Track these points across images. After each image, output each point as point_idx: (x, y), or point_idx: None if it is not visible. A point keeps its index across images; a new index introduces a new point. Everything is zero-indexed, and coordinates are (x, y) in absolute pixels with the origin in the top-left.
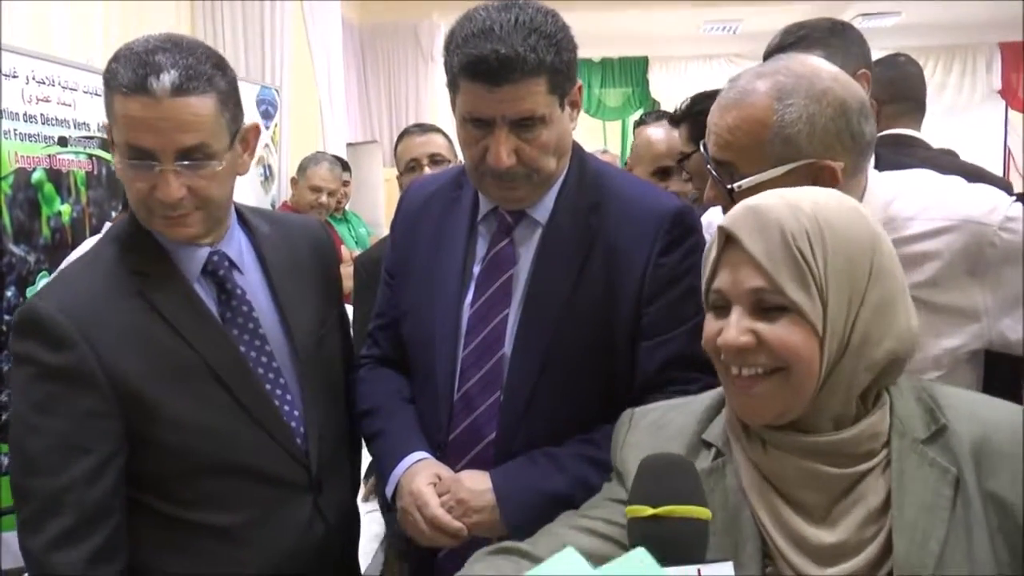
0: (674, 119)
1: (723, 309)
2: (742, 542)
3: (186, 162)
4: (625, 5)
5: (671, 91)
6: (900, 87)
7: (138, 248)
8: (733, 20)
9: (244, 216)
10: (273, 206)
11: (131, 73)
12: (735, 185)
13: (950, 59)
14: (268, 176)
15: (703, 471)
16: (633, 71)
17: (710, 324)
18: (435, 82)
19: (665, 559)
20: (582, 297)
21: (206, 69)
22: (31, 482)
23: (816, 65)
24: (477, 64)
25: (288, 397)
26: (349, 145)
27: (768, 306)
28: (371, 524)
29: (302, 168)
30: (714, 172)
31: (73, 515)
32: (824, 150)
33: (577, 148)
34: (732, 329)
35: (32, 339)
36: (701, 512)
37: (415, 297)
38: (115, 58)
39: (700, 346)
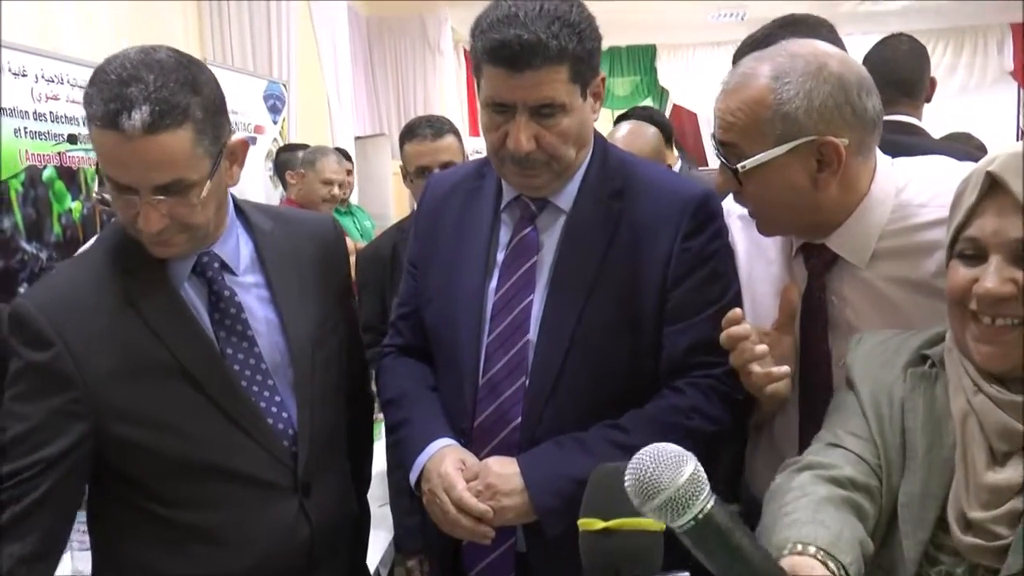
0: None
1: (974, 258)
2: (940, 443)
3: (163, 197)
4: None
5: (679, 79)
6: (878, 74)
7: (127, 247)
8: (740, 7)
9: (246, 214)
10: (280, 201)
11: (103, 106)
12: (739, 166)
13: (960, 41)
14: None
15: (916, 375)
16: (641, 59)
17: (959, 272)
18: (442, 74)
19: (618, 571)
20: (606, 282)
21: (180, 99)
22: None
23: (814, 44)
24: (500, 49)
25: (277, 398)
26: (357, 138)
27: None
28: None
29: (309, 162)
30: (721, 156)
31: (19, 501)
32: (825, 126)
33: (599, 137)
34: (992, 278)
35: (16, 335)
36: (652, 524)
37: (438, 284)
38: (92, 80)
39: None
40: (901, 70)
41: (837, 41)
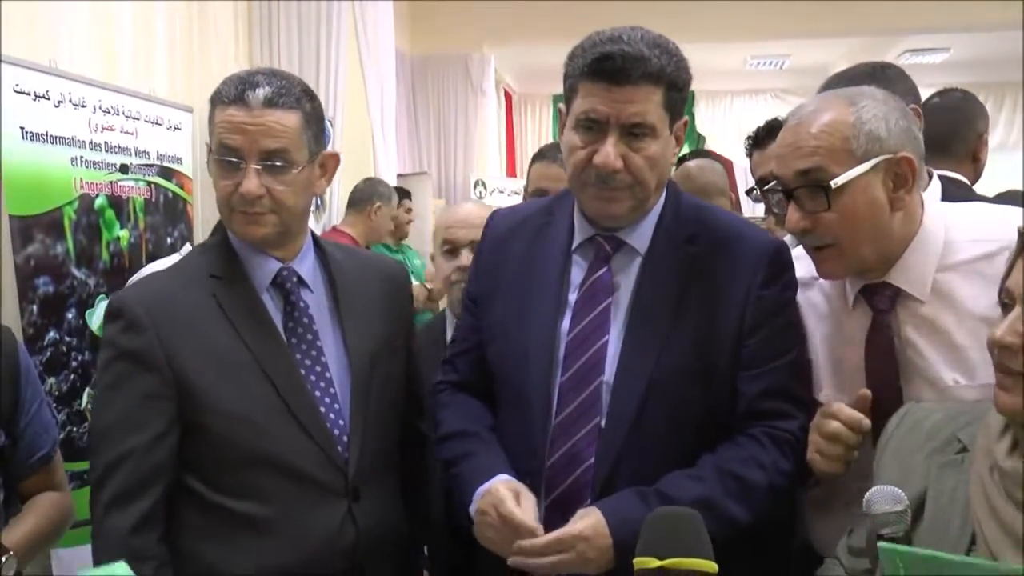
0: (757, 142)
1: (1012, 308)
2: (953, 525)
3: (267, 163)
4: (671, 39)
5: (717, 126)
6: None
7: (216, 254)
8: (780, 55)
9: (321, 245)
10: (322, 232)
11: (233, 88)
12: (832, 183)
13: (1001, 96)
14: (319, 205)
15: (944, 463)
16: None
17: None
18: (484, 114)
19: None
20: (683, 326)
21: (295, 91)
22: (97, 452)
23: (868, 87)
24: (602, 61)
25: (336, 407)
26: (399, 176)
27: None
28: None
29: (386, 196)
30: (803, 185)
31: (124, 482)
32: (900, 145)
33: (671, 183)
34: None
35: (113, 324)
36: (706, 565)
37: (505, 319)
38: (222, 83)
39: (799, 382)
40: (930, 125)
41: (912, 88)
